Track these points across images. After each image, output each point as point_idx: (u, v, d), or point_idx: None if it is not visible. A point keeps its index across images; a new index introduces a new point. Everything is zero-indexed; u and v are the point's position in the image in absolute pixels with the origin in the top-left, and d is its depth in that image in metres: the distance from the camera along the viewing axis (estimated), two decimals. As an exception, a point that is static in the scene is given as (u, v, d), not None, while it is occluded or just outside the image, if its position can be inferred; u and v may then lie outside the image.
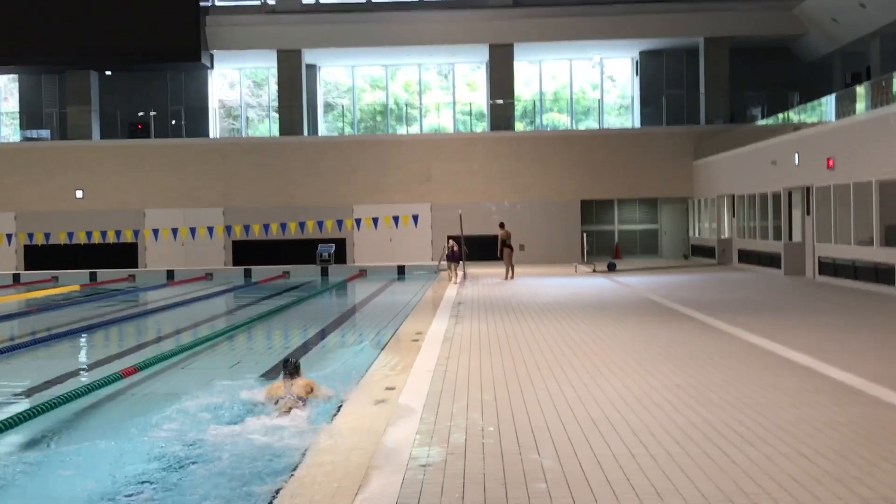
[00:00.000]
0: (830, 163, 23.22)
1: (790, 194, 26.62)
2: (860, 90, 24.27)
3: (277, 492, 6.56)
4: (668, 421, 8.23)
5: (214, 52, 39.57)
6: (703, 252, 35.28)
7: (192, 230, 32.41)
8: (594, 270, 30.39)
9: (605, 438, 7.62)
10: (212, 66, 40.68)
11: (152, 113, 39.62)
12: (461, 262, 29.03)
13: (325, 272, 33.54)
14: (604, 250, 37.99)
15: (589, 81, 42.66)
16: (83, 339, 17.44)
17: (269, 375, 11.88)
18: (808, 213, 25.12)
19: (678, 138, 37.05)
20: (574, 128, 40.57)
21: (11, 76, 42.17)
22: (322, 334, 17.12)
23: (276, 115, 40.49)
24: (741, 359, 11.64)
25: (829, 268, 23.44)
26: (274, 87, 41.13)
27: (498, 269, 29.77)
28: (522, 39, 38.42)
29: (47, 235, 32.98)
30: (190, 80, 41.41)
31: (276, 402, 9.50)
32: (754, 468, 6.67)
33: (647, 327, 15.11)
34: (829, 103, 26.97)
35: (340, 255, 35.72)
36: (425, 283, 27.66)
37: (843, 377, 10.19)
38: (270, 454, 7.88)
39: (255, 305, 23.26)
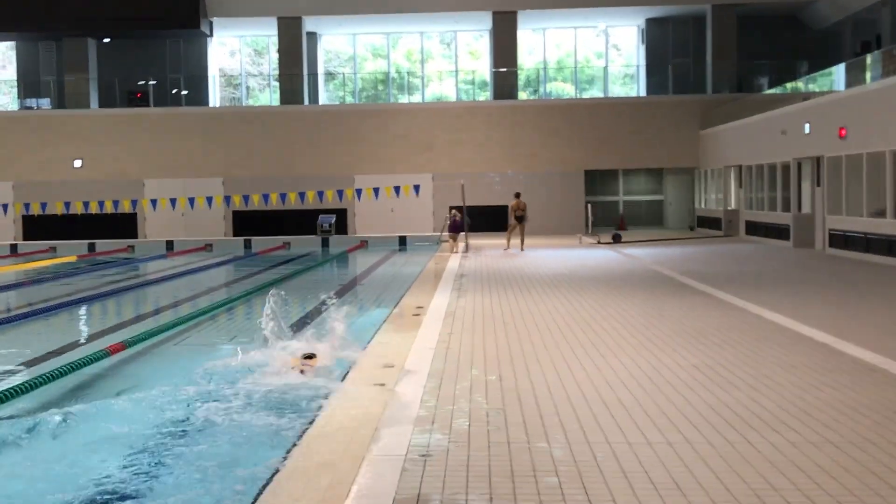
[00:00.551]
0: (843, 132, 22.66)
1: (800, 165, 26.08)
2: (871, 59, 23.71)
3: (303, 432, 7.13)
4: (685, 403, 7.78)
5: (214, 19, 38.96)
6: (709, 223, 34.77)
7: (191, 200, 31.85)
8: (599, 242, 29.90)
9: (619, 424, 7.16)
10: (211, 34, 40.07)
11: (151, 82, 39.04)
12: (463, 234, 28.56)
13: (325, 243, 33.09)
14: (608, 221, 37.47)
15: (593, 50, 42.00)
16: (75, 312, 17.02)
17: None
18: (819, 185, 24.60)
19: (684, 107, 36.43)
20: (578, 97, 39.92)
21: (9, 44, 41.56)
22: (319, 309, 16.63)
23: (277, 84, 39.88)
24: (755, 335, 11.19)
25: (840, 240, 22.94)
26: (274, 56, 40.49)
27: (501, 241, 29.28)
28: (526, 6, 37.70)
29: (44, 205, 32.42)
30: (189, 48, 40.77)
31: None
32: (780, 457, 6.21)
33: (657, 302, 14.65)
34: (838, 72, 26.43)
35: (341, 226, 35.24)
36: (427, 255, 27.21)
37: (861, 354, 9.75)
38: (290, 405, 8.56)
39: (253, 277, 22.78)
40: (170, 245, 33.24)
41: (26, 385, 9.43)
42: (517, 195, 28.57)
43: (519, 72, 39.29)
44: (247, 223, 36.03)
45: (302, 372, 9.67)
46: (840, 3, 35.56)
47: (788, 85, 31.96)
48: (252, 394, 8.97)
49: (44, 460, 7.43)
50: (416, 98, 40.65)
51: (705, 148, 35.52)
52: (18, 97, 40.44)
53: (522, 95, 39.69)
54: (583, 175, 36.54)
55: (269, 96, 41.76)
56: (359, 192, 32.13)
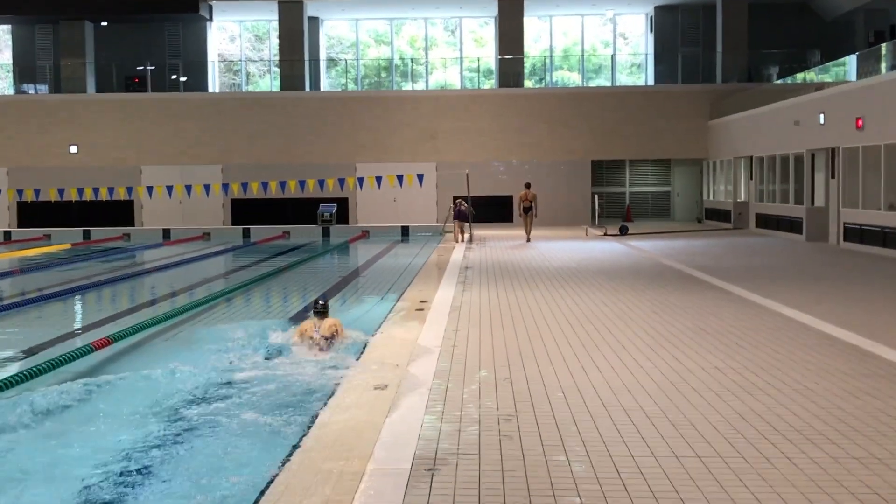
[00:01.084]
0: (860, 123, 21.97)
1: (813, 156, 25.39)
2: (888, 48, 23.02)
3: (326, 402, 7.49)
4: (712, 411, 7.14)
5: (213, 3, 38.30)
6: (717, 215, 34.09)
7: (188, 188, 31.14)
8: (606, 234, 29.25)
9: (642, 434, 6.52)
10: (210, 18, 39.38)
11: (150, 67, 38.31)
12: (468, 224, 27.95)
13: (326, 233, 32.44)
14: (614, 212, 36.78)
15: (600, 38, 41.29)
16: (61, 304, 16.39)
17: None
18: (833, 176, 23.91)
19: (693, 97, 35.72)
20: (585, 85, 39.20)
21: (5, 27, 40.85)
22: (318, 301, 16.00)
23: (278, 71, 39.17)
24: (779, 335, 10.54)
25: (856, 234, 22.27)
26: (275, 42, 39.75)
27: (506, 232, 28.67)
28: (533, -8, 37.03)
29: (37, 192, 31.71)
30: (188, 33, 40.04)
31: (307, 341, 10.41)
32: (824, 476, 5.58)
33: (671, 297, 13.99)
34: (851, 62, 25.76)
35: (342, 216, 34.56)
36: (430, 246, 26.57)
37: (896, 358, 9.12)
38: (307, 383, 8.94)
39: (250, 269, 22.14)
40: (166, 234, 32.60)
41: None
42: (527, 185, 27.89)
43: (525, 60, 38.56)
44: (246, 211, 35.36)
45: (318, 345, 10.24)
46: (853, -9, 34.86)
47: (800, 75, 31.25)
48: (238, 405, 8.36)
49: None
50: (419, 86, 39.94)
51: (714, 138, 34.81)
52: (14, 81, 39.75)
53: (528, 84, 38.98)
54: (589, 165, 35.85)
55: (269, 82, 41.05)
56: (360, 180, 31.46)
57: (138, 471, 6.64)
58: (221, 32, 41.53)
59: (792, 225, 26.33)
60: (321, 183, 32.39)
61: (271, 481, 5.62)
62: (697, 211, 36.99)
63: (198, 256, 24.86)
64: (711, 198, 35.64)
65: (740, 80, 35.96)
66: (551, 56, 40.56)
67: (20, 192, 32.38)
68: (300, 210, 34.14)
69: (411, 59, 41.18)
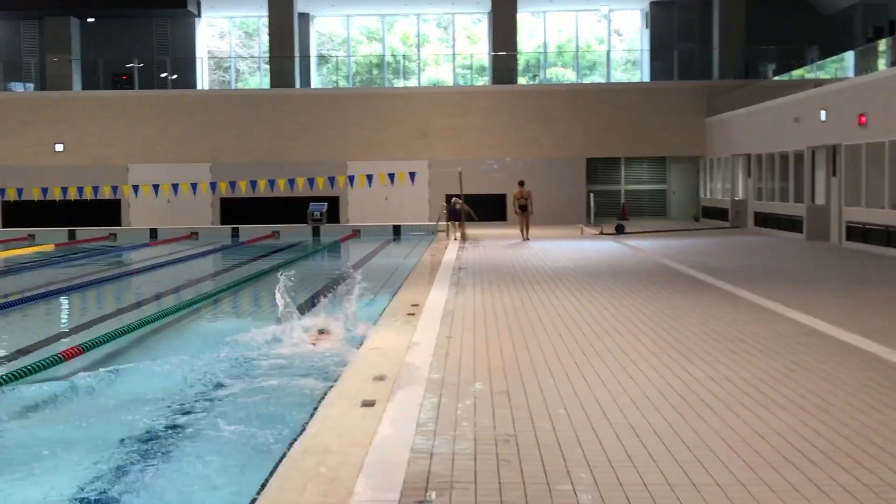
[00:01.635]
0: (863, 119, 21.43)
1: (813, 153, 24.85)
2: (886, 43, 22.52)
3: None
4: (727, 430, 6.56)
5: (202, -1, 37.67)
6: (714, 214, 33.55)
7: (175, 186, 30.48)
8: (601, 233, 28.70)
9: (654, 457, 5.94)
10: (199, 14, 38.75)
11: (137, 63, 37.65)
12: (461, 222, 27.40)
13: (316, 232, 31.85)
14: (609, 211, 36.21)
15: (595, 35, 40.76)
16: (39, 307, 15.79)
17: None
18: (835, 174, 23.37)
19: (690, 94, 35.18)
20: (580, 82, 38.64)
21: (-11, 23, 40.16)
22: (308, 304, 15.42)
23: (268, 67, 38.53)
24: (790, 341, 9.98)
25: (859, 233, 21.73)
26: (265, 39, 39.09)
27: (500, 231, 28.11)
28: (527, -12, 36.47)
29: (20, 191, 31.03)
30: (176, 29, 39.40)
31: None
32: (858, 508, 5.02)
33: (673, 300, 13.42)
34: (851, 58, 25.26)
35: (333, 215, 33.95)
36: (422, 245, 25.99)
37: (919, 368, 8.55)
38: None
39: (238, 269, 21.54)
40: (153, 233, 31.97)
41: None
42: (521, 183, 27.31)
43: (518, 56, 37.98)
44: (235, 211, 34.71)
45: (314, 344, 10.66)
46: (851, -13, 34.36)
47: (798, 71, 30.73)
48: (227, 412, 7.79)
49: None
50: (412, 83, 39.34)
51: (711, 136, 34.28)
52: (1, 80, 39.04)
53: (522, 81, 38.41)
54: (584, 163, 35.30)
55: (259, 79, 40.40)
56: (351, 178, 30.88)
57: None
58: (210, 29, 40.90)
59: (792, 224, 25.79)
60: (311, 181, 31.74)
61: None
62: (694, 209, 36.46)
63: (185, 257, 24.27)
64: (709, 196, 35.11)
65: (737, 76, 35.45)
66: (545, 52, 40.01)
67: (3, 191, 31.64)
68: (290, 209, 33.48)
69: (403, 56, 40.59)
